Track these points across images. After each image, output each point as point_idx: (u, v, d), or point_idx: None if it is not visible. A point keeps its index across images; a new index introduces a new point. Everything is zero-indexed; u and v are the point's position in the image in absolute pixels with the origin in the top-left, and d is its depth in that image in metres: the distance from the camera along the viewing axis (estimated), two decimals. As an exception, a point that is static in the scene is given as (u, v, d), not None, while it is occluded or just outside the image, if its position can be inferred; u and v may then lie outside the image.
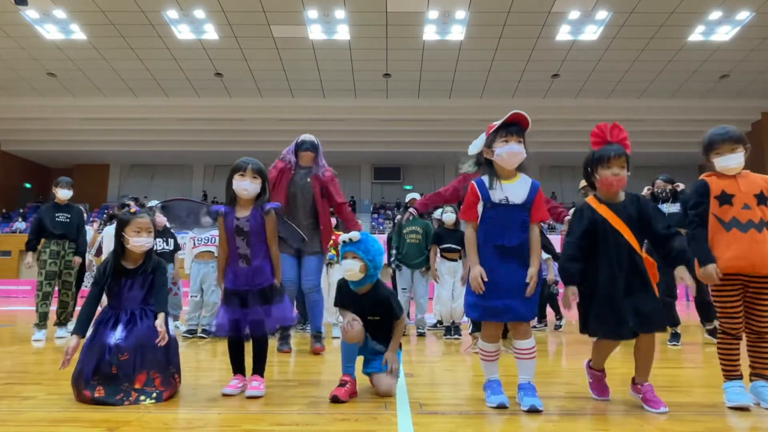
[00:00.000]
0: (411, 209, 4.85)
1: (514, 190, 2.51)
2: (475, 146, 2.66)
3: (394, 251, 6.08)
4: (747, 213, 2.48)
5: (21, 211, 23.36)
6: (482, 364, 2.59)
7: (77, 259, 5.75)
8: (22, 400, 2.58)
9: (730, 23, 15.08)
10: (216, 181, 24.64)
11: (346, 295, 2.83)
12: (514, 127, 2.52)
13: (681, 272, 2.42)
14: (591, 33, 15.73)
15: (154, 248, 2.97)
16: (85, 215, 6.11)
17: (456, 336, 5.65)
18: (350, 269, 2.69)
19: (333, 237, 4.67)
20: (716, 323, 5.17)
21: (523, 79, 18.63)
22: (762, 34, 15.57)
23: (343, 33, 15.83)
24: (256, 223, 2.79)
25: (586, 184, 2.64)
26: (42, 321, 5.39)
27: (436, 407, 2.47)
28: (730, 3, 14.07)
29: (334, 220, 5.99)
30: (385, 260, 2.95)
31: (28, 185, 24.91)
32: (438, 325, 6.70)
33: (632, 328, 2.36)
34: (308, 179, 4.46)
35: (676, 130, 20.54)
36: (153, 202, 6.29)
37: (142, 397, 2.52)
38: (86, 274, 6.23)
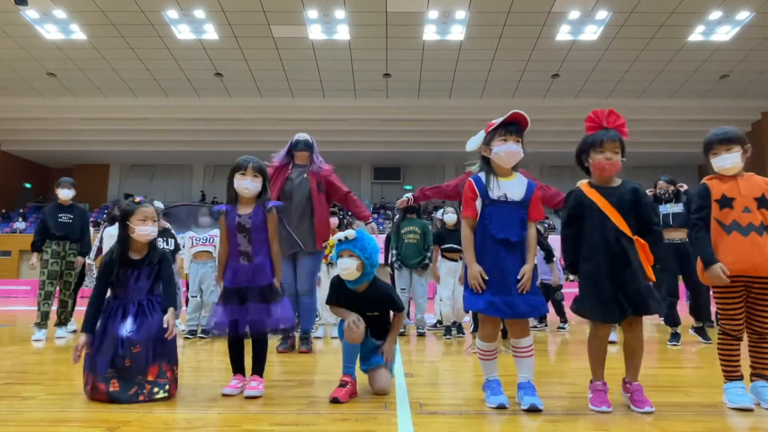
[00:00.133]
0: (408, 195, 4.85)
1: (512, 188, 2.52)
2: (473, 143, 2.66)
3: (393, 251, 6.07)
4: (747, 216, 2.48)
5: (21, 211, 23.36)
6: (481, 364, 2.59)
7: (80, 260, 5.77)
8: (22, 400, 2.58)
9: (730, 23, 15.08)
10: (216, 181, 24.64)
11: (341, 293, 2.81)
12: (513, 126, 2.53)
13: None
14: (591, 33, 15.73)
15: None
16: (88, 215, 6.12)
17: (459, 335, 5.66)
18: (347, 268, 2.68)
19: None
20: (705, 323, 5.25)
21: (523, 79, 18.63)
22: (762, 34, 15.57)
23: (343, 33, 15.83)
24: (258, 220, 2.80)
25: (584, 181, 2.64)
26: (43, 320, 5.39)
27: (436, 407, 2.47)
28: (730, 3, 14.07)
29: (336, 220, 5.99)
30: (382, 260, 2.96)
31: (28, 185, 24.91)
32: (438, 324, 6.70)
33: (620, 312, 2.35)
34: (305, 175, 4.48)
35: (676, 130, 20.54)
36: (157, 203, 6.30)
37: (156, 389, 2.55)
38: (87, 275, 6.23)
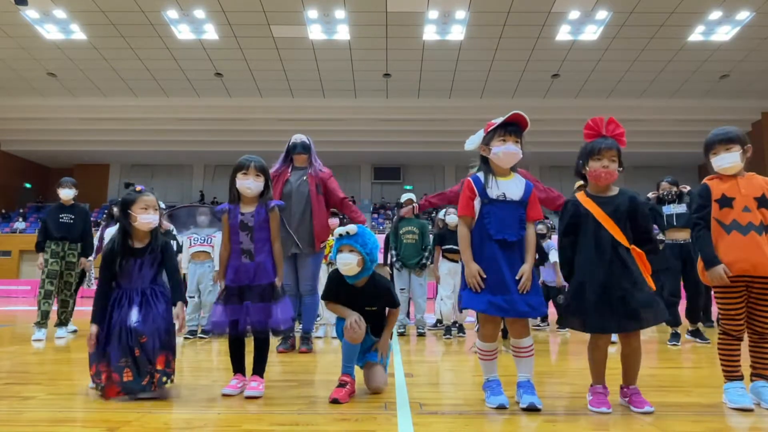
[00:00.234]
0: (415, 204, 4.86)
1: (511, 187, 2.52)
2: (472, 142, 2.66)
3: (393, 252, 6.07)
4: (747, 216, 2.48)
5: (21, 211, 23.35)
6: (481, 364, 2.59)
7: (84, 262, 5.79)
8: (22, 400, 2.58)
9: (730, 23, 15.07)
10: (216, 181, 24.64)
11: (340, 288, 2.79)
12: (513, 127, 2.53)
13: None
14: (591, 33, 15.72)
15: None
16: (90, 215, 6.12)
17: (460, 334, 5.67)
18: (348, 263, 2.67)
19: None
20: (699, 325, 5.26)
21: (523, 79, 18.63)
22: (762, 34, 15.57)
23: (343, 33, 15.82)
24: (260, 218, 2.81)
25: (581, 183, 2.64)
26: (43, 320, 5.40)
27: (436, 407, 2.47)
28: (730, 3, 14.06)
29: (336, 221, 5.99)
30: (381, 260, 2.96)
31: (28, 185, 24.90)
32: (438, 324, 6.70)
33: (615, 324, 2.36)
34: (304, 177, 4.50)
35: (676, 130, 20.53)
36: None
37: (164, 378, 2.61)
38: (86, 274, 6.23)
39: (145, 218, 2.74)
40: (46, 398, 2.62)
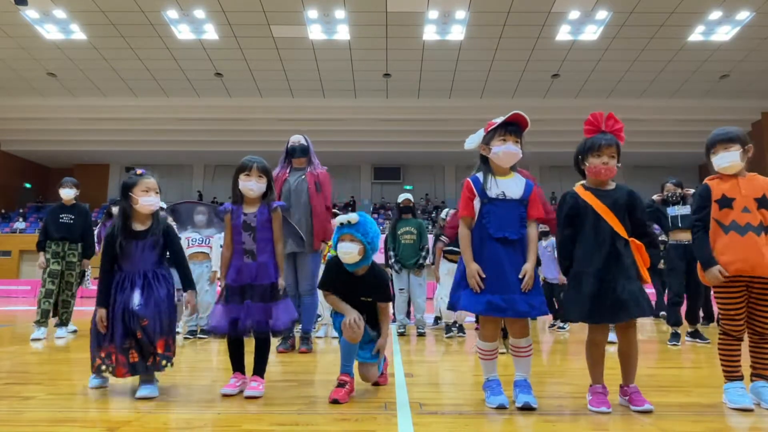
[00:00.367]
0: (442, 238, 5.01)
1: (510, 186, 2.52)
2: (472, 141, 2.66)
3: (391, 253, 6.06)
4: (746, 216, 2.48)
5: (21, 211, 23.34)
6: (481, 363, 2.60)
7: (86, 262, 5.79)
8: (22, 400, 2.58)
9: (730, 23, 15.07)
10: (216, 182, 24.64)
11: (339, 276, 2.76)
12: (513, 126, 2.53)
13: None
14: (591, 33, 15.72)
15: None
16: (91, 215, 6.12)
17: (460, 334, 5.68)
18: (348, 252, 2.65)
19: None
20: (698, 326, 5.27)
21: (523, 79, 18.63)
22: (762, 34, 15.57)
23: (343, 33, 15.82)
24: (263, 218, 2.82)
25: (582, 183, 2.64)
26: (43, 318, 5.42)
27: (436, 407, 2.47)
28: (730, 3, 14.06)
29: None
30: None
31: (28, 185, 24.90)
32: (437, 321, 6.71)
33: (611, 314, 2.36)
34: (302, 177, 4.52)
35: (676, 130, 20.53)
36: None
37: (164, 362, 2.65)
38: (85, 274, 6.21)
39: (147, 201, 2.76)
40: (46, 398, 2.62)
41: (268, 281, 2.76)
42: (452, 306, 2.54)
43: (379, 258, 3.29)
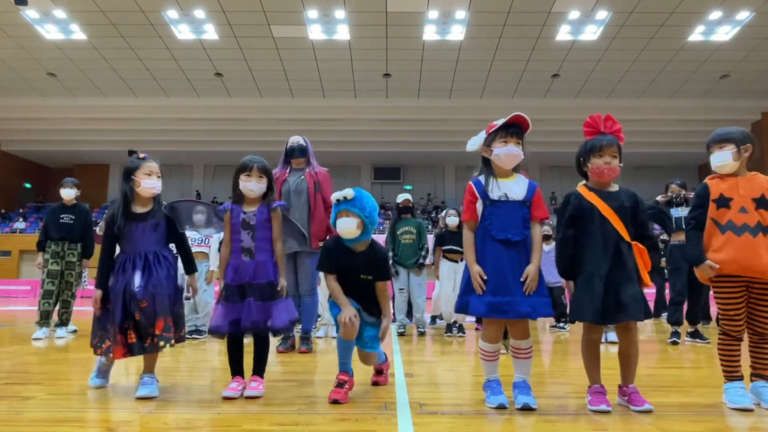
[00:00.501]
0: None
1: (512, 188, 2.52)
2: (474, 143, 2.66)
3: (390, 253, 6.06)
4: (743, 217, 2.49)
5: (21, 211, 23.34)
6: (482, 364, 2.59)
7: (85, 262, 5.79)
8: (22, 400, 2.58)
9: (730, 23, 15.07)
10: (216, 182, 24.64)
11: (339, 255, 2.74)
12: (514, 128, 2.53)
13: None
14: (591, 33, 15.72)
15: None
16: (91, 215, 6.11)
17: (460, 334, 5.68)
18: (347, 227, 2.65)
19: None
20: (698, 326, 5.28)
21: (523, 79, 18.63)
22: (762, 34, 15.57)
23: (343, 33, 15.82)
24: (263, 218, 2.82)
25: (584, 183, 2.64)
26: (43, 319, 5.44)
27: (436, 407, 2.47)
28: (730, 3, 14.06)
29: None
30: None
31: (28, 185, 24.90)
32: (435, 320, 6.71)
33: (614, 315, 2.37)
34: (302, 177, 4.53)
35: (676, 130, 20.53)
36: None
37: (162, 342, 2.64)
38: (83, 275, 6.18)
39: (149, 183, 2.79)
40: (46, 398, 2.62)
41: (265, 280, 2.75)
42: (462, 309, 2.54)
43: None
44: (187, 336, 5.33)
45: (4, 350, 4.53)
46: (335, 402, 2.49)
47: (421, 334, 5.83)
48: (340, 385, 2.60)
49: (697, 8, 14.32)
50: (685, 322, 5.30)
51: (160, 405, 2.49)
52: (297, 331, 4.83)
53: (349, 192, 2.68)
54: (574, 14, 14.76)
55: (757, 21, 14.86)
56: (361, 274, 2.74)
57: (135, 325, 2.65)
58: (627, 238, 2.43)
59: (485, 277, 2.43)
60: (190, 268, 2.93)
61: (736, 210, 2.51)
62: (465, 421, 2.24)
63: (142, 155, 2.87)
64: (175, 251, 2.93)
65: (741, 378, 2.52)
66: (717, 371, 2.67)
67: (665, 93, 19.47)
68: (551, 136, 19.43)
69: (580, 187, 2.57)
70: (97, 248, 6.28)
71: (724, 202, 2.54)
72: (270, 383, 2.91)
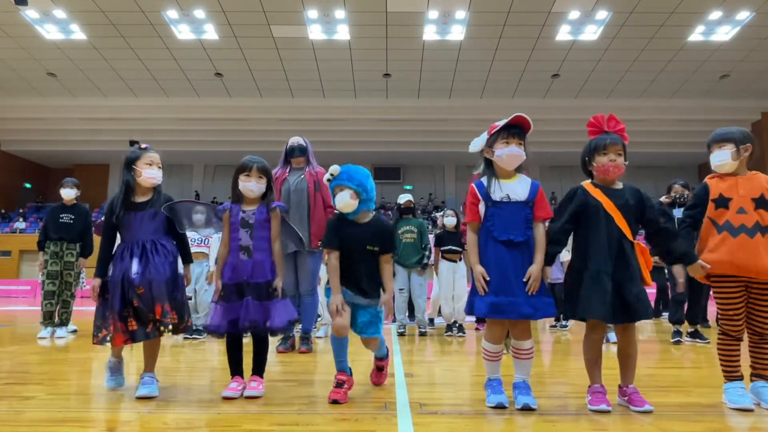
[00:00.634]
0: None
1: (514, 188, 2.52)
2: (476, 144, 2.67)
3: None
4: (741, 217, 2.49)
5: (21, 211, 23.34)
6: (485, 364, 2.59)
7: (82, 261, 5.79)
8: (23, 400, 2.58)
9: (730, 23, 15.08)
10: (216, 182, 24.64)
11: (341, 231, 2.73)
12: (516, 129, 2.53)
13: (679, 270, 2.44)
14: (591, 33, 15.72)
15: None
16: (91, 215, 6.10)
17: (459, 334, 5.69)
18: (343, 201, 2.69)
19: None
20: (699, 326, 5.29)
21: (523, 79, 18.63)
22: (762, 34, 15.57)
23: (343, 33, 15.83)
24: (262, 217, 2.82)
25: (587, 181, 2.64)
26: (47, 319, 5.48)
27: (436, 407, 2.47)
28: (730, 3, 14.07)
29: None
30: None
31: (28, 185, 24.90)
32: (432, 321, 6.71)
33: (618, 315, 2.37)
34: (302, 176, 4.54)
35: (676, 130, 20.53)
36: None
37: (162, 327, 2.65)
38: (81, 275, 6.17)
39: (150, 173, 2.81)
40: (46, 398, 2.62)
41: (263, 279, 2.75)
42: (468, 310, 2.56)
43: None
44: (187, 336, 5.39)
45: (4, 350, 4.53)
46: (335, 402, 2.49)
47: (422, 334, 5.82)
48: (339, 385, 2.60)
49: (697, 8, 14.33)
50: (685, 322, 5.30)
51: (160, 405, 2.49)
52: (297, 331, 4.83)
53: (335, 168, 2.74)
54: (574, 14, 14.76)
55: (757, 21, 14.86)
56: (368, 245, 2.72)
57: (135, 312, 2.66)
58: (630, 236, 2.44)
59: (488, 278, 2.43)
60: (186, 258, 2.95)
61: (734, 211, 2.51)
62: (465, 421, 2.24)
63: (143, 145, 2.89)
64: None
65: (741, 378, 2.52)
66: (717, 371, 2.67)
67: (665, 93, 19.48)
68: (551, 136, 19.43)
69: (586, 184, 2.57)
70: (97, 241, 6.29)
71: (722, 202, 2.55)
72: (270, 383, 2.91)
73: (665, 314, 7.55)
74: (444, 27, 15.52)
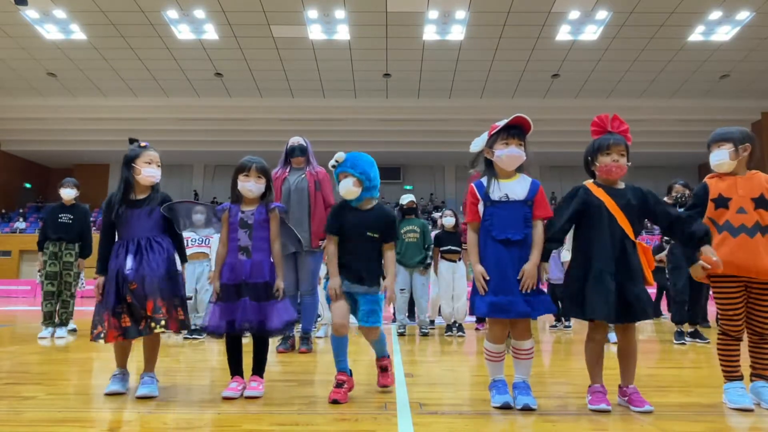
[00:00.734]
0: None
1: (513, 188, 2.52)
2: (477, 144, 2.67)
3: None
4: (741, 217, 2.50)
5: (21, 211, 23.34)
6: (487, 364, 2.59)
7: (82, 262, 5.78)
8: (22, 400, 2.58)
9: (730, 23, 15.08)
10: (216, 182, 24.64)
11: (343, 216, 2.75)
12: (516, 129, 2.53)
13: (709, 250, 2.41)
14: (591, 33, 15.73)
15: None
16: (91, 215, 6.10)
17: (459, 334, 5.69)
18: (346, 188, 2.71)
19: None
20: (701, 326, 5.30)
21: (523, 79, 18.63)
22: (762, 34, 15.57)
23: (343, 33, 15.83)
24: (261, 218, 2.82)
25: (589, 181, 2.64)
26: (47, 319, 5.48)
27: (436, 407, 2.47)
28: (730, 3, 14.07)
29: None
30: None
31: (28, 185, 24.90)
32: (432, 323, 6.71)
33: (621, 315, 2.37)
34: (302, 175, 4.54)
35: (676, 130, 20.54)
36: None
37: (153, 324, 2.63)
38: (80, 275, 6.14)
39: (149, 172, 2.81)
40: (46, 398, 2.62)
41: (262, 280, 2.74)
42: (471, 311, 2.58)
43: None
44: (187, 336, 5.39)
45: (4, 350, 4.53)
46: (335, 402, 2.49)
47: (424, 335, 5.82)
48: (339, 385, 2.59)
49: (697, 8, 14.33)
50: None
51: (160, 405, 2.49)
52: (297, 331, 4.83)
53: (340, 155, 2.75)
54: (574, 14, 14.77)
55: (757, 21, 14.87)
56: (368, 231, 2.73)
57: (129, 308, 2.66)
58: (632, 236, 2.44)
59: (487, 278, 2.43)
60: (181, 258, 2.95)
61: (734, 211, 2.51)
62: (465, 421, 2.24)
63: (143, 144, 2.88)
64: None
65: (741, 378, 2.52)
66: (717, 371, 2.67)
67: (665, 93, 19.48)
68: (551, 136, 19.44)
69: (588, 183, 2.57)
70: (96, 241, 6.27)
71: (722, 202, 2.55)
72: (270, 383, 2.91)
73: (665, 315, 7.57)
74: (444, 27, 15.52)
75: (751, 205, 2.50)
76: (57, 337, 5.44)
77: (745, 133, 2.60)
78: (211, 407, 2.44)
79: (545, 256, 2.49)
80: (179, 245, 2.95)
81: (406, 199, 6.24)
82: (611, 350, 2.54)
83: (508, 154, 2.50)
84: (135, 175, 2.80)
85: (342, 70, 18.17)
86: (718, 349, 2.60)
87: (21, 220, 22.43)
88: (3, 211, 23.24)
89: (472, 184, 2.59)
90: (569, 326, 6.74)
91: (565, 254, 6.43)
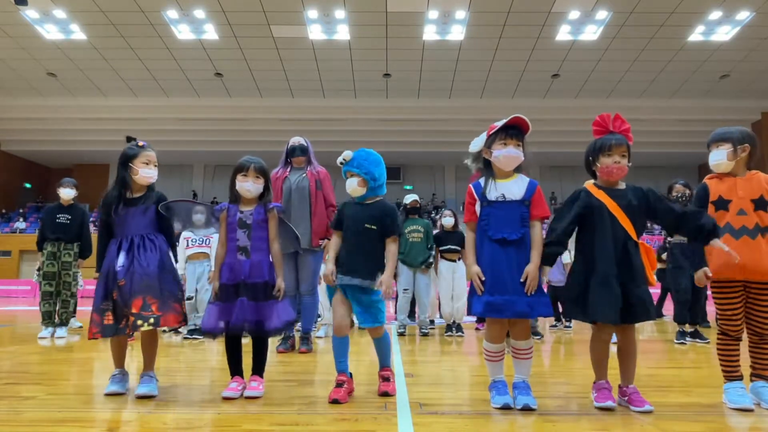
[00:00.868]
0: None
1: (510, 188, 2.52)
2: (476, 144, 2.67)
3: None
4: (741, 219, 2.49)
5: (21, 211, 23.35)
6: (487, 364, 2.59)
7: (81, 262, 5.78)
8: (22, 400, 2.58)
9: (730, 23, 15.08)
10: (216, 181, 24.65)
11: (347, 209, 2.81)
12: (514, 130, 2.53)
13: (719, 243, 2.39)
14: (591, 33, 15.73)
15: None
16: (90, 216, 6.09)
17: (459, 333, 5.69)
18: (351, 187, 2.76)
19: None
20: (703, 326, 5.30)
21: (523, 79, 18.64)
22: (762, 34, 15.57)
23: (343, 33, 15.83)
24: (259, 218, 2.82)
25: (591, 182, 2.63)
26: (46, 319, 5.49)
27: (436, 407, 2.47)
28: (730, 3, 14.07)
29: None
30: None
31: (28, 185, 24.91)
32: (432, 323, 6.72)
33: (624, 316, 2.36)
34: (303, 175, 4.54)
35: (676, 130, 20.54)
36: None
37: (139, 321, 2.58)
38: (78, 274, 6.13)
39: (146, 173, 2.81)
40: (46, 398, 2.62)
41: (261, 280, 2.74)
42: (468, 310, 2.57)
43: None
44: (187, 336, 5.38)
45: (4, 350, 4.53)
46: (335, 402, 2.49)
47: (425, 335, 5.82)
48: (339, 385, 2.60)
49: (697, 8, 14.33)
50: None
51: (160, 405, 2.48)
52: (297, 330, 4.83)
53: (347, 154, 2.78)
54: (574, 14, 14.77)
55: (757, 21, 14.87)
56: (366, 223, 2.74)
57: (114, 305, 2.65)
58: (634, 237, 2.43)
59: (483, 278, 2.43)
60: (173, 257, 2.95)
61: (734, 213, 2.51)
62: (465, 421, 2.24)
63: (141, 143, 2.86)
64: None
65: (741, 378, 2.52)
66: (717, 371, 2.67)
67: (665, 93, 19.48)
68: (551, 136, 19.44)
69: (589, 185, 2.56)
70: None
71: (722, 204, 2.54)
72: (270, 383, 2.91)
73: (666, 316, 7.57)
74: (444, 27, 15.52)
75: (750, 207, 2.50)
76: (57, 337, 5.45)
77: (745, 133, 2.59)
78: (211, 407, 2.44)
79: (552, 261, 2.49)
80: (171, 246, 2.93)
81: (409, 198, 6.25)
82: (611, 350, 2.53)
83: (506, 154, 2.50)
84: (132, 175, 2.80)
85: (342, 70, 18.17)
86: (718, 349, 2.60)
87: (21, 220, 22.43)
88: (3, 211, 23.24)
89: (470, 185, 2.60)
90: (569, 326, 6.74)
91: (567, 256, 6.45)
